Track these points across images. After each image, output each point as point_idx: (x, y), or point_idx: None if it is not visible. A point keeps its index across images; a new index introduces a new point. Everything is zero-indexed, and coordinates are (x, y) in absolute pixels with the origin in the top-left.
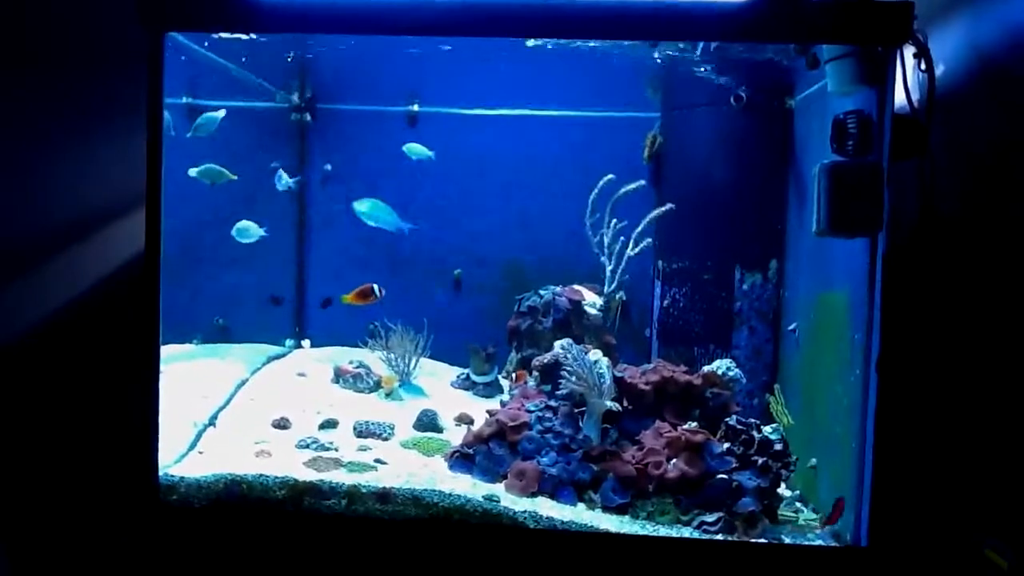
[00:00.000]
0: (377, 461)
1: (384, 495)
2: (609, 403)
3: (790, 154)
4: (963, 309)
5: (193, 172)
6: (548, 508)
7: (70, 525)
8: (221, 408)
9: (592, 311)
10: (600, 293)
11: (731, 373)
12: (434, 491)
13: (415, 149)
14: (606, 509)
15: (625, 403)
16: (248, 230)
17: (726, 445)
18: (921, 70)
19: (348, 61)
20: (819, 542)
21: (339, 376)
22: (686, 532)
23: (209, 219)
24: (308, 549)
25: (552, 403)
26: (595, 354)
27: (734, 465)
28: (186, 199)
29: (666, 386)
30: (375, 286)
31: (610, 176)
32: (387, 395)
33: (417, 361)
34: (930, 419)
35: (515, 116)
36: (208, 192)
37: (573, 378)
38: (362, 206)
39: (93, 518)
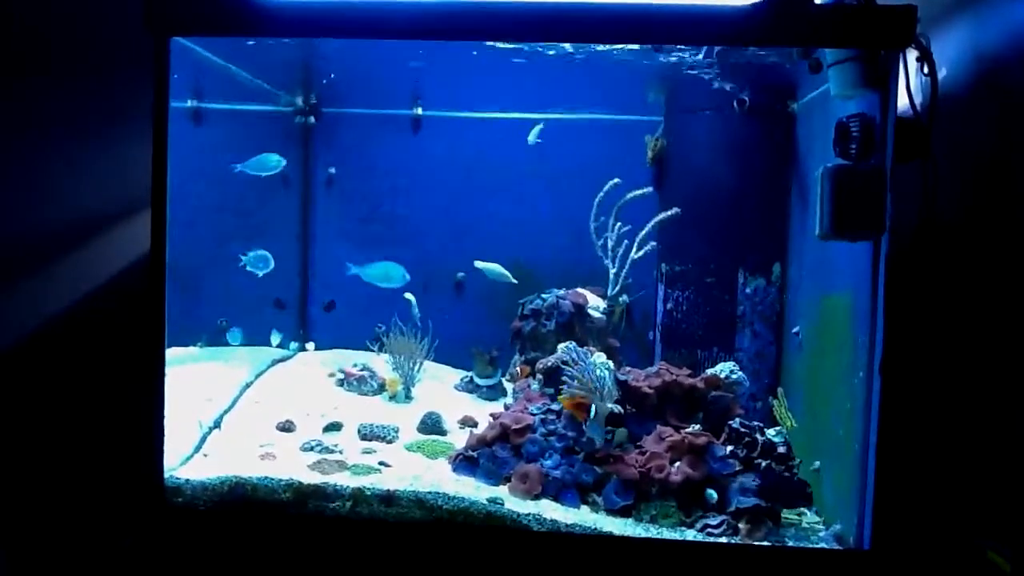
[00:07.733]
0: (381, 464)
1: (388, 498)
2: (612, 406)
3: (793, 157)
4: (965, 312)
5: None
6: (552, 511)
7: (76, 527)
8: (226, 411)
9: (596, 314)
10: (604, 296)
11: (734, 376)
12: (438, 494)
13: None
14: (609, 511)
15: (628, 406)
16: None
17: (729, 448)
18: (924, 74)
19: (352, 64)
20: (822, 545)
21: (344, 379)
22: (689, 534)
23: (213, 221)
24: (313, 551)
25: (555, 406)
26: (598, 357)
27: (737, 468)
28: (188, 202)
29: (669, 389)
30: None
31: (616, 180)
32: (391, 398)
33: (421, 364)
34: (933, 422)
35: (519, 120)
36: (210, 196)
37: (576, 381)
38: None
39: (99, 520)
